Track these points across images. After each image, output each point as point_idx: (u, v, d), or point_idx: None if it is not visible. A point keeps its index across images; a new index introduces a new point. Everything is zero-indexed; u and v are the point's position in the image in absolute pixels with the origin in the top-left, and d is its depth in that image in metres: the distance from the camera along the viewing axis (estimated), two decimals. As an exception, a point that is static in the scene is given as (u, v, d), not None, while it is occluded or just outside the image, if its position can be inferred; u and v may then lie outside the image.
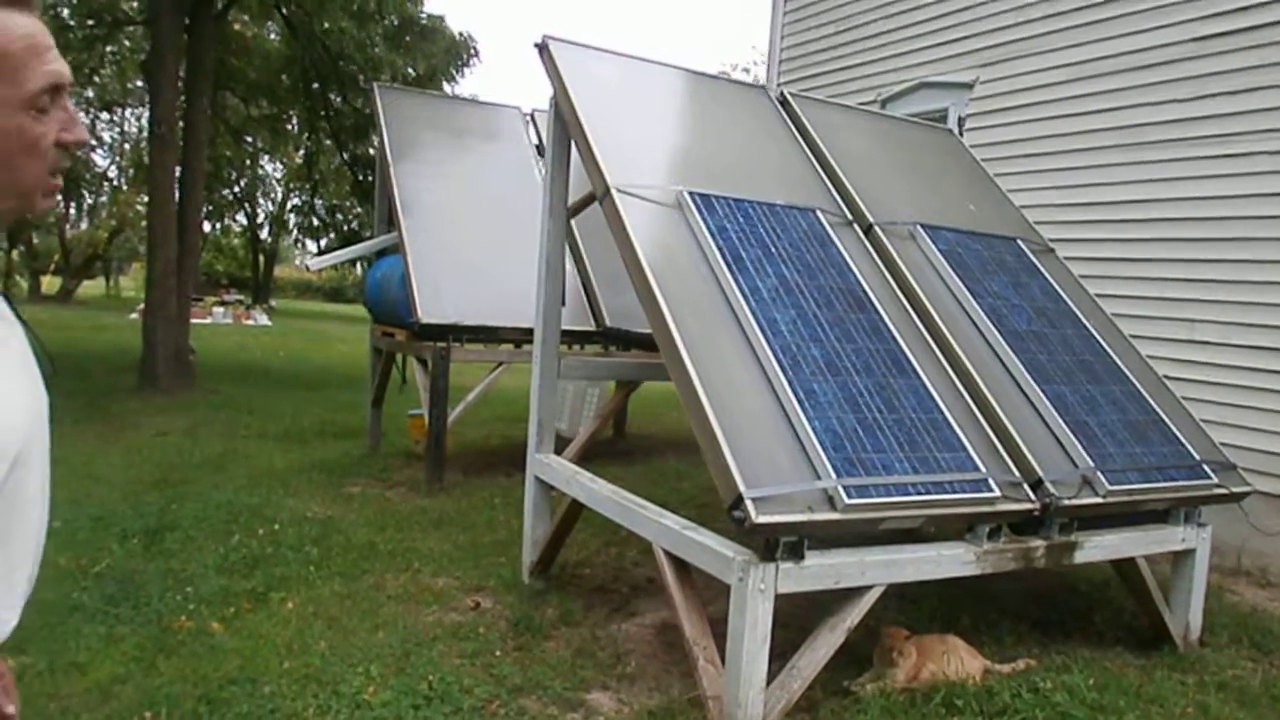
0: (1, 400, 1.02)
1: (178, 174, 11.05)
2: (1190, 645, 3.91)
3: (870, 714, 3.09)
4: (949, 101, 7.12)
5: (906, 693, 3.24)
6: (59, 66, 1.05)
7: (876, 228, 4.30)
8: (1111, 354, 4.26)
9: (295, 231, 29.61)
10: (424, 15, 15.39)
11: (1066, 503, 3.43)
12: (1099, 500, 3.52)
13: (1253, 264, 5.32)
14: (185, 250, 11.19)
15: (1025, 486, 3.40)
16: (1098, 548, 3.61)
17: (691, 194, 3.80)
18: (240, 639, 3.65)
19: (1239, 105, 5.33)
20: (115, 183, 28.13)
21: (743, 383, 3.20)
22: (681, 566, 3.28)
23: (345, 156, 15.21)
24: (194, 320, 12.35)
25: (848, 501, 2.93)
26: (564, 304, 4.45)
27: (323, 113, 14.71)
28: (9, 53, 1.01)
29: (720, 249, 3.62)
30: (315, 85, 14.61)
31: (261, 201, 32.63)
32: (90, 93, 20.86)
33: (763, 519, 2.78)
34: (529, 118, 7.97)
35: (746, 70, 28.27)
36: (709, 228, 3.69)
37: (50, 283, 30.85)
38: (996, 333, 4.00)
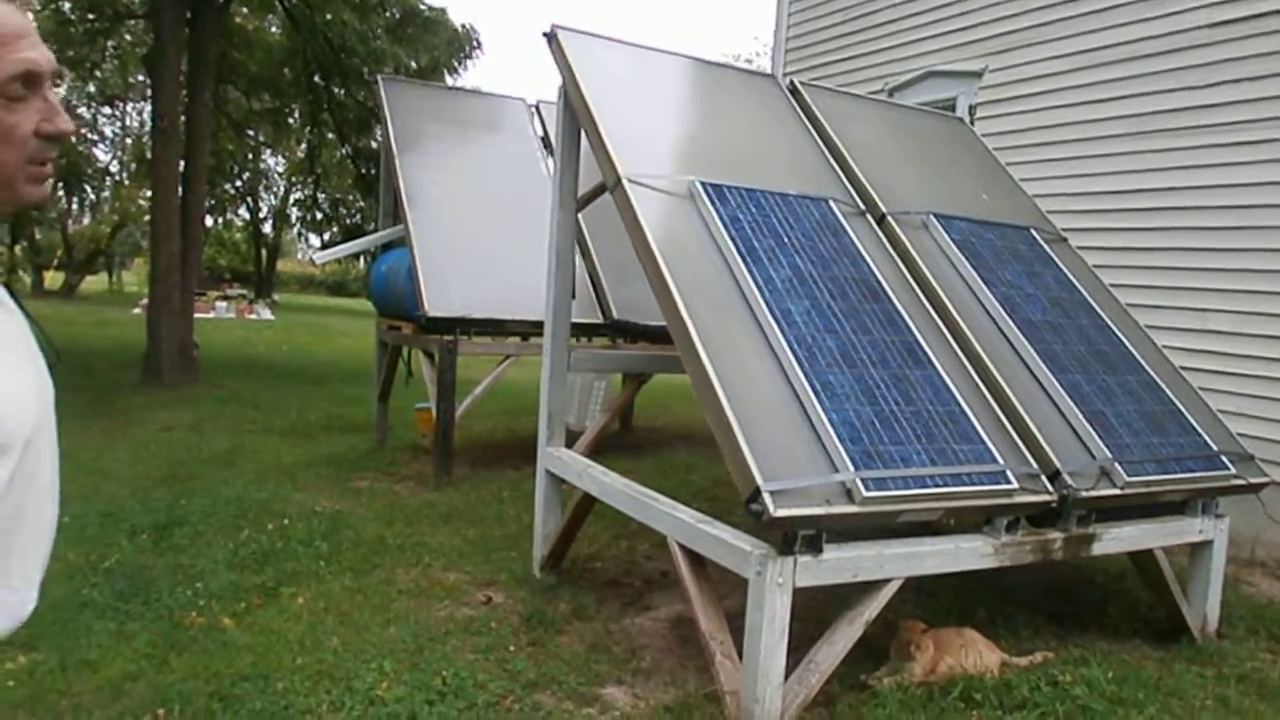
0: (11, 389, 1.05)
1: (181, 168, 11.01)
2: (1208, 637, 3.88)
3: (888, 708, 3.06)
4: (958, 90, 7.06)
5: (924, 686, 3.22)
6: (33, 54, 1.04)
7: (889, 217, 4.26)
8: (1127, 344, 4.22)
9: (297, 226, 29.55)
10: (425, 7, 15.32)
11: (1084, 494, 3.40)
12: (1117, 492, 3.48)
13: (1266, 253, 5.27)
14: (189, 245, 11.15)
15: (1043, 478, 3.36)
16: (1116, 539, 3.58)
17: (703, 184, 3.76)
18: (252, 635, 3.63)
19: (1252, 92, 5.27)
20: (117, 177, 28.10)
21: (758, 374, 3.16)
22: (697, 560, 3.25)
23: (348, 149, 15.16)
24: (197, 315, 12.33)
25: (866, 494, 2.90)
26: (574, 296, 4.42)
27: (325, 106, 14.65)
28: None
29: (733, 239, 3.58)
30: (317, 78, 14.55)
31: (264, 195, 32.60)
32: (92, 87, 20.81)
33: (781, 512, 2.75)
34: (534, 109, 7.92)
35: (749, 61, 28.10)
36: (721, 218, 3.65)
37: (53, 278, 30.84)
38: (1011, 323, 3.96)
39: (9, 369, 1.07)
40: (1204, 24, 5.51)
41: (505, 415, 9.30)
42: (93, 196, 29.18)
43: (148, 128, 20.49)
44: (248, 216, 33.94)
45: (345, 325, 23.76)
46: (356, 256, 13.91)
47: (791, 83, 4.89)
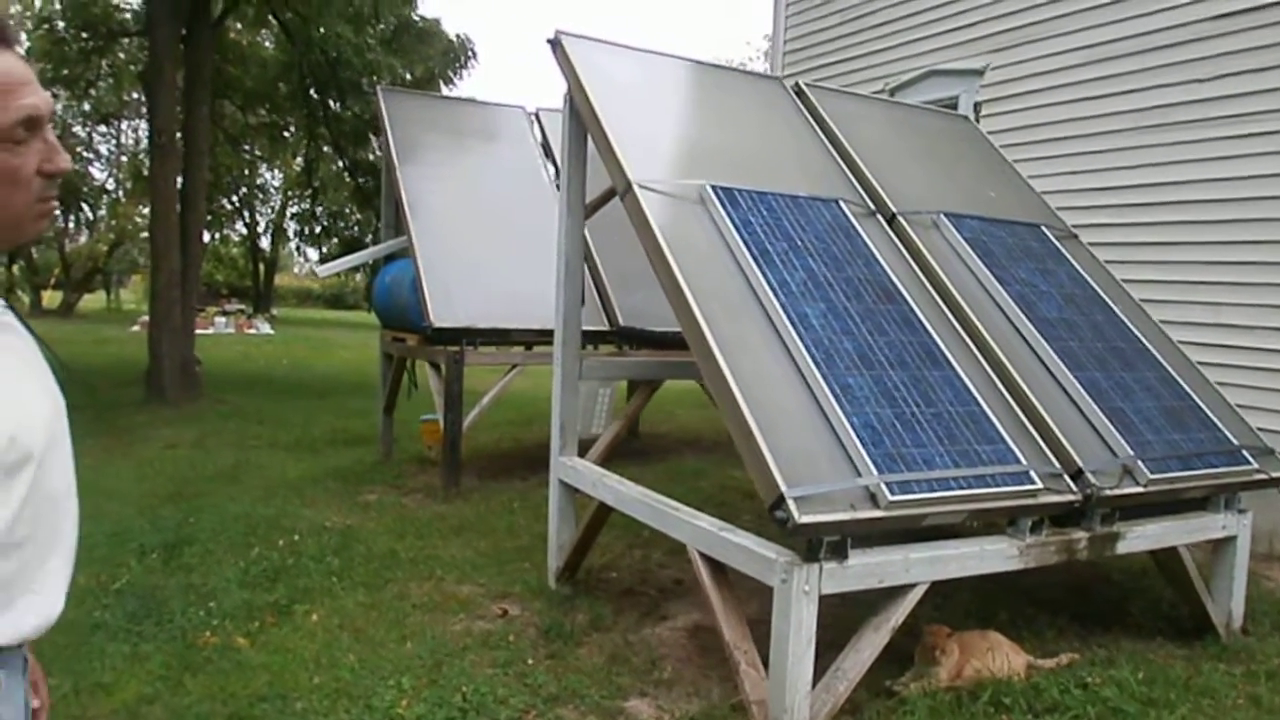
0: (21, 404, 1.11)
1: (179, 184, 10.98)
2: (1233, 634, 3.83)
3: (917, 715, 3.01)
4: (959, 89, 7.04)
5: (951, 691, 3.17)
6: (34, 99, 1.10)
7: (900, 217, 4.23)
8: (1143, 339, 4.18)
9: (295, 239, 29.52)
10: (419, 18, 15.32)
11: (1108, 493, 3.36)
12: (1140, 489, 3.44)
13: (1274, 244, 5.24)
14: (188, 261, 11.12)
15: (1066, 477, 3.32)
16: (1140, 538, 3.54)
17: (714, 188, 3.72)
18: (267, 654, 3.58)
19: (1260, 84, 5.25)
20: (114, 195, 28.05)
21: (776, 379, 3.12)
22: (718, 569, 3.21)
23: (345, 162, 15.13)
24: (197, 331, 12.28)
25: (890, 498, 2.86)
26: (583, 304, 4.38)
27: (321, 119, 14.62)
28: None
29: (746, 243, 3.54)
30: (313, 91, 14.53)
31: (260, 210, 32.55)
32: (87, 106, 20.78)
33: (806, 519, 2.71)
34: (533, 116, 7.89)
35: (743, 65, 28.15)
36: (733, 221, 3.61)
37: (51, 297, 30.80)
38: (1027, 320, 3.93)
39: (21, 386, 1.13)
40: (1206, 17, 5.49)
41: (511, 425, 9.26)
42: (89, 215, 29.13)
43: (143, 145, 20.49)
44: (245, 231, 33.92)
45: (344, 338, 23.73)
46: (356, 269, 13.88)
47: (796, 84, 4.86)
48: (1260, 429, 4.07)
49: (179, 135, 11.00)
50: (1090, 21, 6.15)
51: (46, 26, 14.10)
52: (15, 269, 28.29)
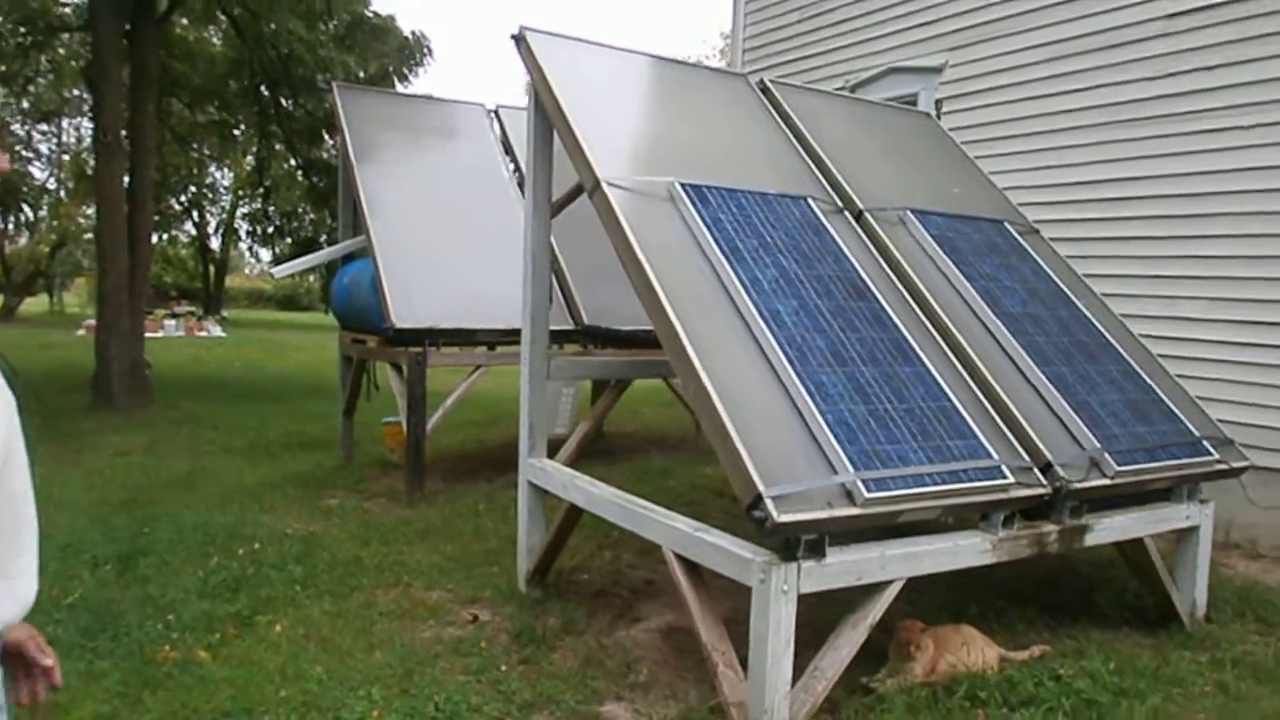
0: None
1: (125, 184, 10.68)
2: (1197, 623, 3.90)
3: (894, 712, 3.02)
4: (919, 86, 7.09)
5: (927, 687, 3.17)
6: None
7: (867, 214, 4.23)
8: (1105, 333, 4.24)
9: (247, 240, 28.94)
10: (373, 14, 15.06)
11: (1077, 485, 3.39)
12: (1108, 482, 3.48)
13: (1230, 239, 5.36)
14: (137, 263, 10.82)
15: (1035, 471, 3.35)
16: (1107, 529, 3.58)
17: (683, 185, 3.69)
18: (230, 667, 3.47)
19: (1212, 81, 5.36)
20: (55, 195, 27.25)
21: (750, 377, 3.10)
22: (694, 570, 3.18)
23: (298, 161, 14.83)
24: (146, 334, 11.96)
25: (867, 495, 2.85)
26: (551, 303, 4.32)
27: (273, 117, 14.33)
28: None
29: (716, 240, 3.51)
30: (264, 89, 14.23)
31: (211, 210, 31.87)
32: (26, 103, 20.14)
33: (784, 518, 2.69)
34: (493, 114, 7.80)
35: (699, 63, 28.18)
36: (703, 219, 3.58)
37: (-10, 301, 29.85)
38: (993, 316, 3.96)
39: None
40: (1157, 15, 5.60)
41: (473, 426, 9.16)
42: (30, 216, 28.27)
43: (86, 143, 19.93)
44: (194, 232, 33.18)
45: (298, 340, 23.33)
46: (311, 270, 13.64)
47: (761, 80, 4.85)
48: (1218, 420, 4.14)
49: (125, 133, 10.70)
50: (1046, 20, 6.24)
51: (-18, 21, 13.63)
52: (-48, 273, 27.38)
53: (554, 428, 7.79)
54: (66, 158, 25.65)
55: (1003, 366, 3.77)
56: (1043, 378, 3.74)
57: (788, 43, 8.31)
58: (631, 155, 3.84)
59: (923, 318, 3.80)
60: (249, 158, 21.50)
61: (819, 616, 3.07)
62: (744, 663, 2.95)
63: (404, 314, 5.92)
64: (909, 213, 4.35)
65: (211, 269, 35.06)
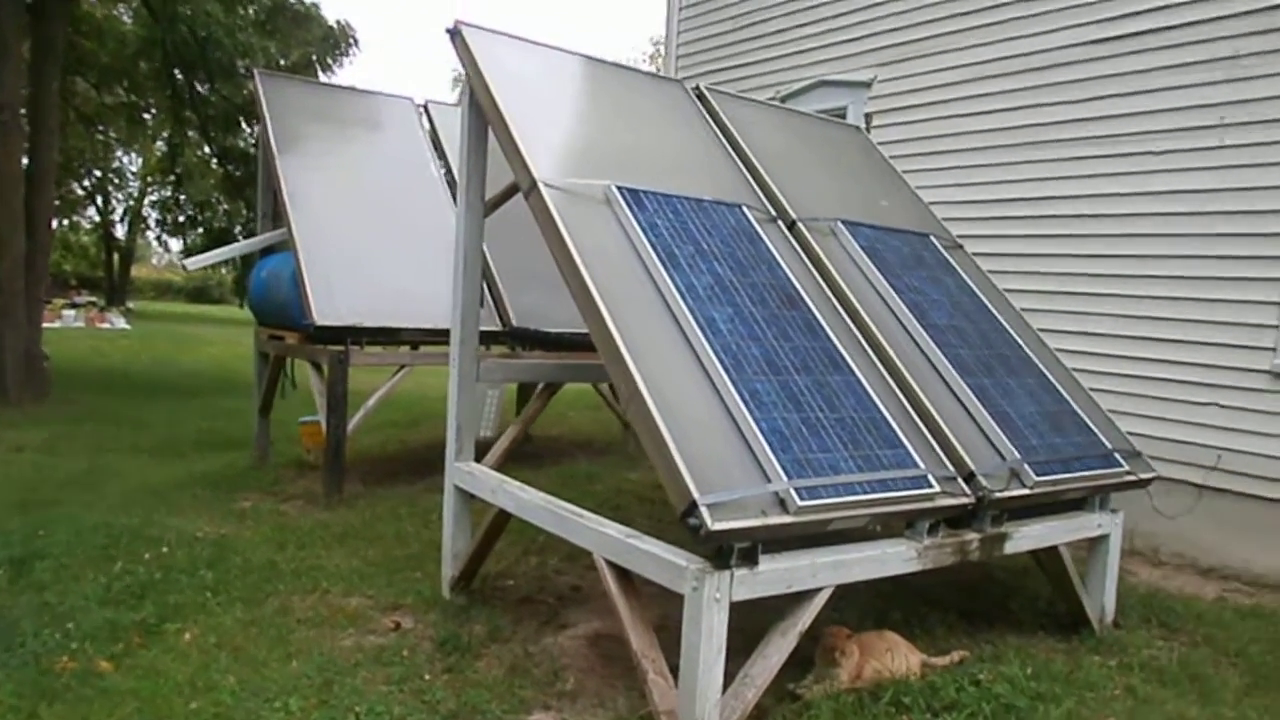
0: None
1: (25, 165, 10.13)
2: (1106, 628, 4.05)
3: (822, 718, 3.04)
4: (848, 100, 7.22)
5: (853, 693, 3.21)
6: None
7: (800, 224, 4.28)
8: (1024, 347, 4.37)
9: (156, 229, 27.79)
10: (296, 0, 14.63)
11: (998, 495, 3.48)
12: (1027, 491, 3.59)
13: (1136, 259, 5.60)
14: (35, 248, 10.28)
15: (959, 480, 3.43)
16: (1025, 537, 3.69)
17: (620, 189, 3.67)
18: (135, 678, 3.30)
19: (1127, 107, 5.59)
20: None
21: (686, 384, 3.09)
22: (624, 576, 3.15)
23: (213, 149, 14.31)
24: (44, 325, 11.37)
25: (800, 504, 2.87)
26: (483, 304, 4.25)
27: (187, 101, 13.78)
28: None
29: (653, 246, 3.50)
30: (178, 72, 13.67)
31: (117, 196, 30.50)
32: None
33: (719, 526, 2.68)
34: (422, 109, 7.65)
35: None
36: (640, 224, 3.56)
37: None
38: (920, 327, 4.04)
39: None
40: (1079, 41, 5.81)
41: (394, 427, 8.96)
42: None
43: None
44: (97, 218, 31.72)
45: (210, 333, 22.52)
46: (224, 262, 13.16)
47: (698, 87, 4.86)
48: (1126, 432, 4.31)
49: (24, 112, 10.15)
50: (972, 41, 6.42)
51: None
52: None
53: (479, 430, 7.67)
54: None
55: (928, 377, 3.85)
56: (966, 389, 3.83)
57: (721, 51, 8.38)
58: (568, 156, 3.80)
59: (853, 328, 3.85)
60: (159, 143, 20.64)
61: (744, 623, 3.08)
62: (674, 670, 2.94)
63: (326, 310, 5.75)
64: (840, 224, 4.41)
65: (116, 258, 33.55)
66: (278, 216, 6.95)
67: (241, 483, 6.38)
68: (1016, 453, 3.66)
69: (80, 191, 27.71)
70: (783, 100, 7.65)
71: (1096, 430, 4.10)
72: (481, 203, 4.16)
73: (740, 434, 3.03)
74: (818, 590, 3.04)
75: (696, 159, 4.37)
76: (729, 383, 3.11)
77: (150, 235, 31.91)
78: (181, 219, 16.49)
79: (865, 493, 3.07)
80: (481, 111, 3.95)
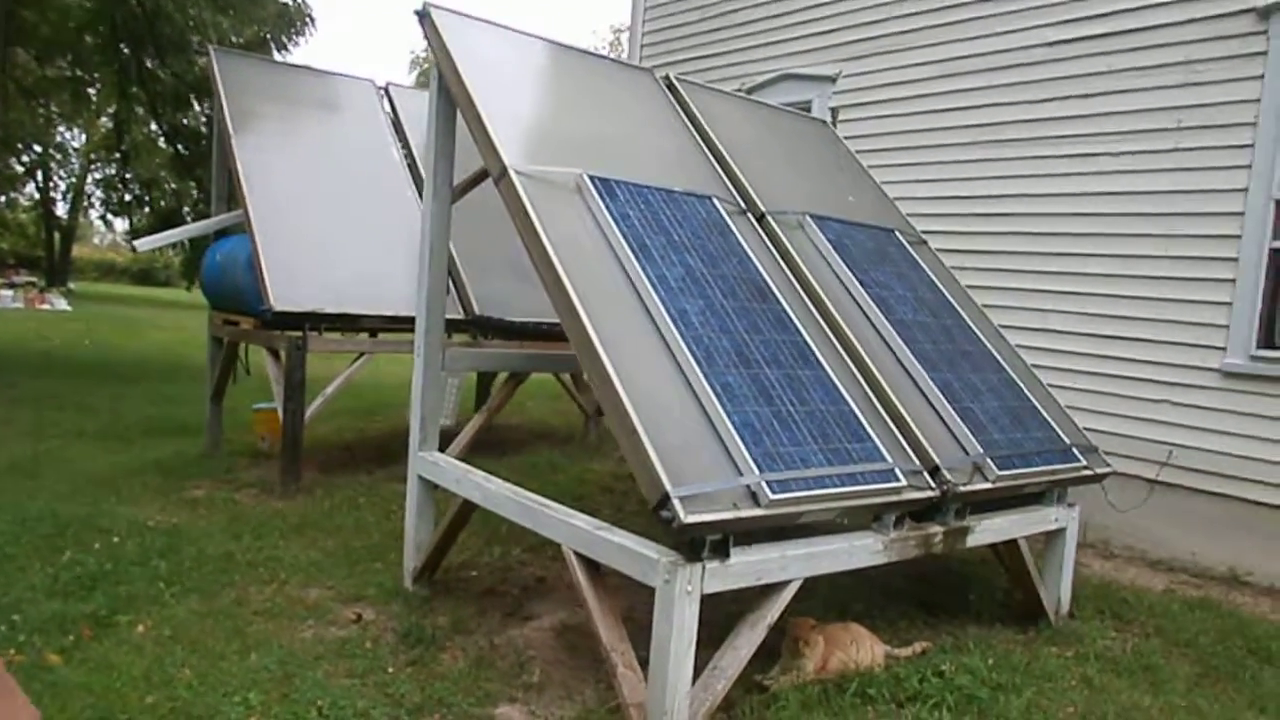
0: None
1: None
2: (1062, 619, 4.13)
3: (790, 709, 3.06)
4: (813, 94, 7.25)
5: (819, 684, 3.24)
6: None
7: (769, 216, 4.28)
8: (986, 343, 4.43)
9: (101, 208, 26.95)
10: (249, -24, 14.25)
11: (962, 489, 3.53)
12: (989, 485, 3.64)
13: (1095, 257, 5.71)
14: (-26, 226, 9.89)
15: (925, 474, 3.46)
16: (986, 531, 3.74)
17: (591, 178, 3.63)
18: (86, 672, 3.20)
19: (1087, 109, 5.69)
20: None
21: (658, 376, 3.08)
22: (593, 569, 3.13)
23: (162, 127, 13.89)
24: (-17, 305, 10.98)
25: (771, 497, 2.88)
26: (449, 292, 4.18)
27: (135, 77, 13.35)
28: None
29: (625, 236, 3.47)
30: (126, 47, 13.24)
31: (59, 173, 29.53)
32: None
33: (691, 518, 2.68)
34: (383, 90, 7.51)
35: (589, 54, 28.02)
36: (612, 214, 3.53)
37: None
38: (886, 322, 4.07)
39: None
40: (1041, 43, 5.90)
41: (350, 415, 8.82)
42: None
43: (-85, 92, 18.07)
44: (37, 196, 30.68)
45: (156, 317, 21.95)
46: (173, 244, 12.80)
47: (668, 77, 4.83)
48: (1084, 428, 4.40)
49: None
50: (935, 39, 6.48)
51: None
52: None
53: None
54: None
55: (894, 372, 3.88)
56: (931, 384, 3.88)
57: (686, 41, 8.35)
58: (538, 144, 3.75)
59: (821, 322, 3.87)
60: (104, 119, 20.00)
61: (709, 614, 3.08)
62: (643, 663, 2.94)
63: (284, 296, 5.62)
64: (808, 218, 4.43)
65: (57, 237, 32.52)
66: (232, 198, 6.78)
67: (193, 470, 6.22)
68: (979, 447, 3.71)
69: (19, 168, 26.78)
70: (748, 92, 7.64)
71: (1055, 425, 4.18)
72: (449, 189, 4.09)
73: (712, 426, 3.03)
74: (787, 582, 3.05)
75: (666, 149, 4.34)
76: (701, 375, 3.10)
77: (94, 214, 30.95)
78: (128, 198, 16.00)
79: (835, 486, 3.09)
80: (450, 96, 3.88)
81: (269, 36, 13.96)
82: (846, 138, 6.22)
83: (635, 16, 8.86)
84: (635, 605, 3.55)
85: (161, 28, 12.19)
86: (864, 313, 4.11)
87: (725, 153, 4.51)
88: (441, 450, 4.17)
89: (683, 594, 2.74)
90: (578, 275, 3.19)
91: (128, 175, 16.20)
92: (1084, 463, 4.10)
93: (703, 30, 8.20)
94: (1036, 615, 4.09)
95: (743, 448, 2.96)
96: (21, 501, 5.16)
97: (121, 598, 3.85)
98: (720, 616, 3.07)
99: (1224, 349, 5.16)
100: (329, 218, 6.31)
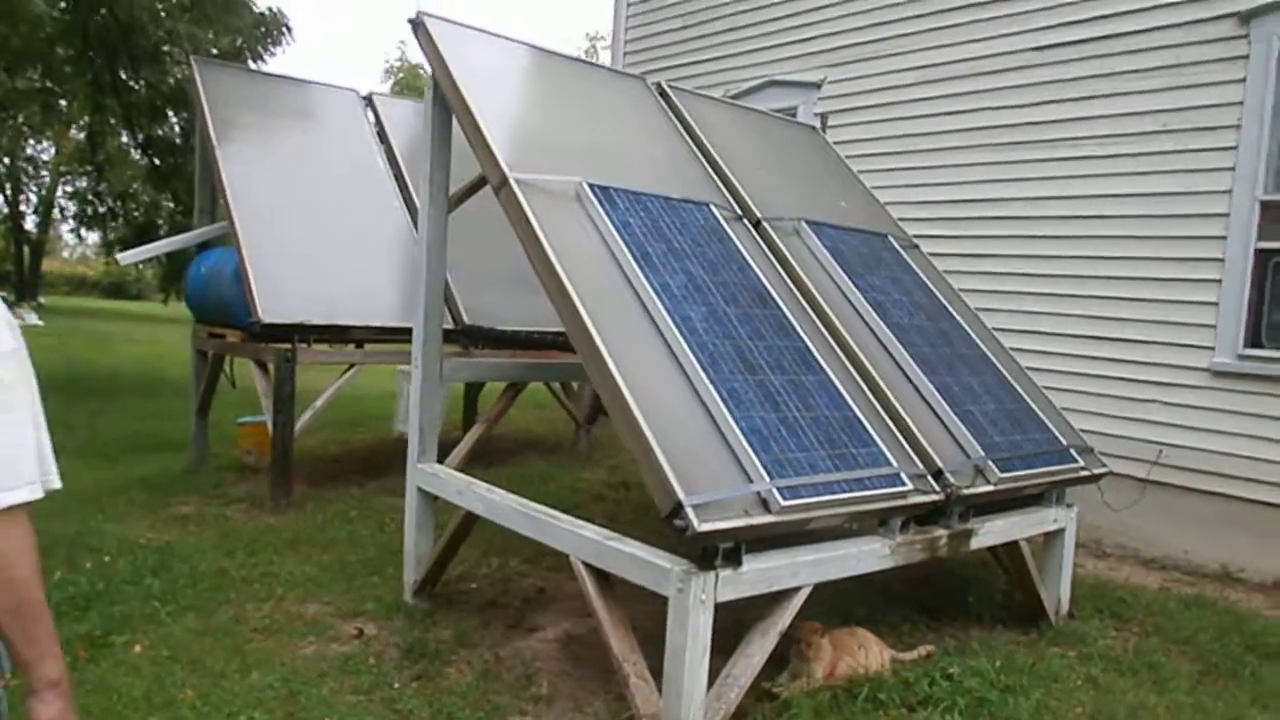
0: None
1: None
2: (1061, 619, 4.15)
3: (802, 716, 3.05)
4: (798, 100, 7.28)
5: (828, 690, 3.23)
6: None
7: (765, 223, 4.29)
8: (981, 345, 4.46)
9: (73, 221, 26.58)
10: (223, -15, 14.09)
11: (965, 491, 3.54)
12: (992, 488, 3.66)
13: (1083, 260, 5.77)
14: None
15: (929, 478, 3.47)
16: (989, 533, 3.76)
17: (591, 186, 3.62)
18: (84, 694, 3.12)
19: (1073, 112, 5.76)
20: None
21: (664, 383, 3.07)
22: (603, 579, 3.11)
23: (137, 139, 13.71)
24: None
25: (782, 504, 2.87)
26: (456, 301, 4.15)
27: (109, 88, 13.17)
28: None
29: (626, 244, 3.46)
30: (99, 58, 13.05)
31: (28, 186, 29.07)
32: None
33: (705, 526, 2.66)
34: (367, 100, 7.46)
35: (565, 63, 28.02)
36: (613, 222, 3.52)
37: None
38: (884, 327, 4.08)
39: None
40: (1028, 47, 5.96)
41: (334, 428, 8.72)
42: None
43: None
44: (5, 209, 30.21)
45: (130, 330, 21.64)
46: (152, 258, 12.63)
47: (659, 84, 4.83)
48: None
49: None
50: (919, 45, 6.53)
51: None
52: None
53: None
54: None
55: (895, 376, 3.89)
56: (931, 388, 3.89)
57: (670, 49, 8.37)
58: (536, 152, 3.73)
59: (821, 327, 3.88)
60: (75, 131, 19.71)
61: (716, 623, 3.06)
62: (653, 673, 2.91)
63: (272, 308, 5.55)
64: (804, 223, 4.44)
65: (26, 250, 32.02)
66: (217, 210, 6.70)
67: (180, 486, 6.13)
68: (980, 450, 3.72)
69: (-13, 181, 26.39)
70: (733, 99, 7.67)
71: (1052, 427, 4.20)
72: (446, 198, 4.06)
73: (720, 434, 3.02)
74: (798, 589, 3.04)
75: (662, 156, 4.34)
76: (708, 382, 3.10)
77: (65, 228, 30.51)
78: (102, 210, 15.72)
79: (843, 491, 3.09)
80: (447, 105, 3.86)
81: (245, 46, 13.81)
82: (834, 143, 6.25)
83: (617, 24, 8.87)
84: (636, 615, 3.53)
85: (136, 39, 12.03)
86: (862, 318, 4.12)
87: (719, 159, 4.51)
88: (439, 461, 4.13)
89: (697, 603, 2.72)
90: (582, 284, 3.18)
91: (100, 188, 15.96)
92: (1081, 463, 4.13)
93: (686, 38, 8.22)
94: (1037, 616, 4.11)
95: (751, 454, 2.95)
96: (5, 521, 5.05)
97: (116, 617, 3.77)
98: (725, 624, 3.05)
99: (1212, 348, 5.23)
100: (315, 229, 6.25)
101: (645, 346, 3.15)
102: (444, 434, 4.50)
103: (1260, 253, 5.15)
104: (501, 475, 6.48)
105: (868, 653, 3.44)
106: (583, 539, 3.14)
